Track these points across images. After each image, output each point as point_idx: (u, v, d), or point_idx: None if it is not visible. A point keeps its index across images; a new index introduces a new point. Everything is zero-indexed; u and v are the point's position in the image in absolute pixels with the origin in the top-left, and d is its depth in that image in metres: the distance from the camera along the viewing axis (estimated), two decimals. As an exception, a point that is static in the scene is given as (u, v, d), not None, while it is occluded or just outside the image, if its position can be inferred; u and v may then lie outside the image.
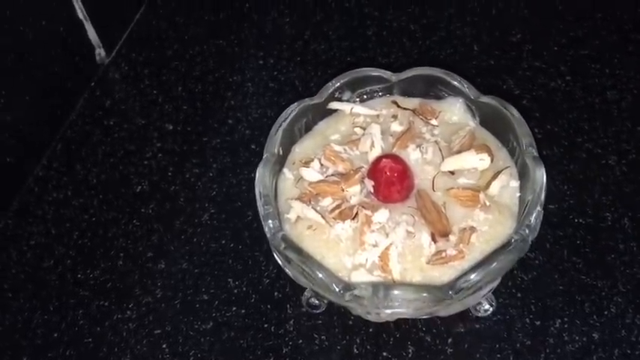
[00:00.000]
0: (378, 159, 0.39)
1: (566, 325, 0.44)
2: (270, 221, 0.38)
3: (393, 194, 0.39)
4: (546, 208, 0.49)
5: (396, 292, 0.34)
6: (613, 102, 0.56)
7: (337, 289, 0.35)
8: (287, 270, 0.38)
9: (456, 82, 0.43)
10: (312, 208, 0.39)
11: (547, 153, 0.53)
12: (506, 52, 0.61)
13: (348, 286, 0.35)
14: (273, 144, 0.41)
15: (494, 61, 0.61)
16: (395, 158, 0.39)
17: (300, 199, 0.40)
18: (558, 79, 0.58)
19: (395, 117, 0.43)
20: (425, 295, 0.34)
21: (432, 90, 0.44)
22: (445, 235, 0.37)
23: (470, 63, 0.60)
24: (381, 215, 0.38)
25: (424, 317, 0.40)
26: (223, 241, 0.51)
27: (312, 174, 0.40)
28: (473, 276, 0.34)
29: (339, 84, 0.44)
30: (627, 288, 0.45)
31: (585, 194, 0.51)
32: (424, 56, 0.61)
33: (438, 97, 0.44)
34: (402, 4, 0.67)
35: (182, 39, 0.67)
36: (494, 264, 0.34)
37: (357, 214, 0.38)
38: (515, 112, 0.40)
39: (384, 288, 0.34)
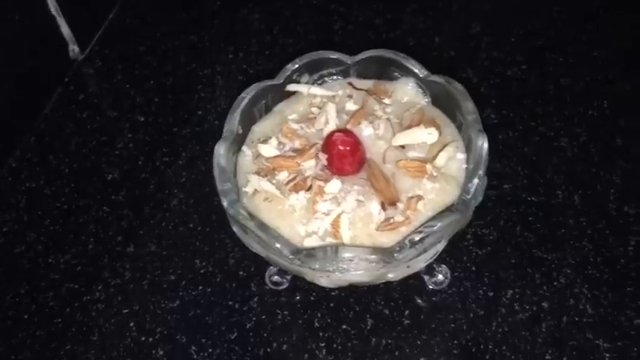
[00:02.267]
0: (331, 133, 0.41)
1: (517, 296, 0.46)
2: (227, 194, 0.40)
3: (345, 166, 0.40)
4: (501, 188, 0.52)
5: (343, 252, 0.35)
6: (566, 88, 0.58)
7: (289, 254, 0.36)
8: (244, 240, 0.40)
9: (406, 63, 0.45)
10: (269, 181, 0.40)
11: (502, 137, 0.55)
12: (466, 44, 0.64)
13: (300, 250, 0.37)
14: (232, 122, 0.43)
15: (454, 52, 0.63)
16: (347, 132, 0.41)
17: (257, 173, 0.42)
18: (515, 67, 0.61)
19: (350, 97, 0.45)
20: (370, 254, 0.35)
21: (385, 72, 0.46)
22: (393, 203, 0.39)
23: (431, 54, 0.63)
24: (333, 186, 0.39)
25: (378, 283, 0.42)
26: (191, 225, 0.53)
27: (269, 150, 0.42)
28: (415, 235, 0.35)
29: (297, 66, 0.45)
30: (576, 260, 0.47)
31: (538, 174, 0.53)
32: (388, 48, 0.63)
33: (392, 78, 0.46)
34: (368, 1, 0.69)
35: (154, 35, 0.69)
36: (438, 224, 0.36)
37: (310, 185, 0.40)
38: (460, 87, 0.42)
39: (332, 248, 0.35)
